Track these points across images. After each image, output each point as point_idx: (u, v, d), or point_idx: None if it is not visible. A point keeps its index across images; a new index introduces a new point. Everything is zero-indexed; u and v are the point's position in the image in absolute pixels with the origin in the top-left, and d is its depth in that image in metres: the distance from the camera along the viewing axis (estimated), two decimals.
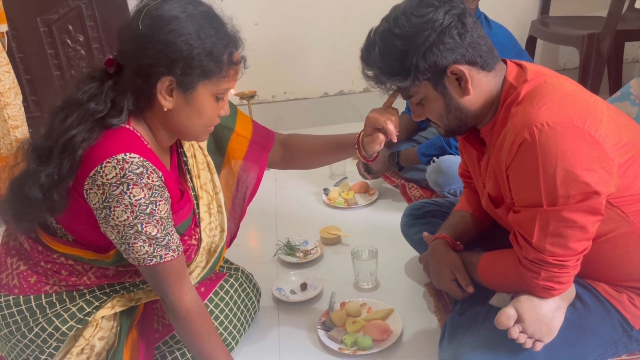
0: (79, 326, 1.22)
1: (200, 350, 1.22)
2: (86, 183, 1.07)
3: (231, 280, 1.42)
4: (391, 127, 1.28)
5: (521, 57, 2.10)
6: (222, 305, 1.36)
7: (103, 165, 1.05)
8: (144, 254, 1.11)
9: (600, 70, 2.59)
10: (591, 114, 1.06)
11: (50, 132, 1.10)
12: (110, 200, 1.06)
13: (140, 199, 1.07)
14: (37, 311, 1.21)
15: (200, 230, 1.30)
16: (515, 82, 1.14)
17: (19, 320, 1.22)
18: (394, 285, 1.71)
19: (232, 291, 1.40)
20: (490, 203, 1.25)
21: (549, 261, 1.09)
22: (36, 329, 1.22)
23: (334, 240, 1.96)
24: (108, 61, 1.12)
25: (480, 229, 1.47)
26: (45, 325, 1.22)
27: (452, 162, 2.02)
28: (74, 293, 1.23)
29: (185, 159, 1.33)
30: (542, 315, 1.14)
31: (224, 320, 1.36)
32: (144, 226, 1.09)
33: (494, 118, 1.17)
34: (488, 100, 1.16)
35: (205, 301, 1.33)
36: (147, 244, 1.10)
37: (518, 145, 1.05)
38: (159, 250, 1.12)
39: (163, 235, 1.12)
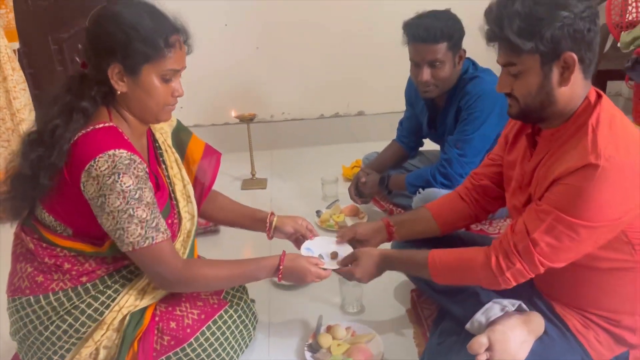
0: (90, 323, 1.35)
1: (228, 279, 1.46)
2: (82, 176, 1.24)
3: (231, 311, 1.53)
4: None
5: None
6: (218, 333, 1.47)
7: (96, 160, 1.22)
8: (137, 236, 1.27)
9: None
10: None
11: (38, 120, 1.33)
12: (104, 188, 1.23)
13: (130, 186, 1.24)
14: (49, 309, 1.34)
15: (178, 211, 1.48)
16: (593, 103, 1.21)
17: (35, 319, 1.35)
18: (378, 310, 1.81)
19: (230, 322, 1.51)
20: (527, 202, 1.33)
21: (534, 258, 1.20)
22: (52, 327, 1.35)
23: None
24: (83, 64, 1.33)
25: (428, 231, 1.63)
26: (60, 323, 1.35)
27: (437, 194, 2.12)
28: (79, 289, 1.36)
29: (160, 151, 1.51)
30: (510, 348, 1.24)
31: (218, 348, 1.46)
32: (135, 210, 1.26)
33: (562, 125, 1.24)
34: (570, 104, 1.22)
35: (203, 328, 1.44)
36: (139, 227, 1.27)
37: (581, 166, 1.14)
38: (150, 232, 1.28)
39: (152, 218, 1.29)
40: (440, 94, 2.16)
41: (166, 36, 1.29)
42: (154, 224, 1.29)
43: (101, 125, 1.29)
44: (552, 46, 1.14)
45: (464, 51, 2.12)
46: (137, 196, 1.26)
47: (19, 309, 1.36)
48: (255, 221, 1.70)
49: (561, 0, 1.13)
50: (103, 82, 1.29)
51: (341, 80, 3.30)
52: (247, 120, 2.77)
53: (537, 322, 1.30)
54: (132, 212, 1.25)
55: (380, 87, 3.30)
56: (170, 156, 1.54)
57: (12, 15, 2.56)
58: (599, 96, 1.23)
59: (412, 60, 2.11)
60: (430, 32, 2.00)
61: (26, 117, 2.55)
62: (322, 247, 1.66)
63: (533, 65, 1.18)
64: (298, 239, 1.70)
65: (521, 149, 1.41)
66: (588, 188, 1.13)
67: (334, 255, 1.63)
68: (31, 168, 1.27)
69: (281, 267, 1.45)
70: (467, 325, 1.34)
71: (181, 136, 1.58)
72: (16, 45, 2.57)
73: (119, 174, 1.23)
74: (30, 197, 1.34)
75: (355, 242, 1.67)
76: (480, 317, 1.33)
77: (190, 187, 1.54)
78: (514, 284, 1.26)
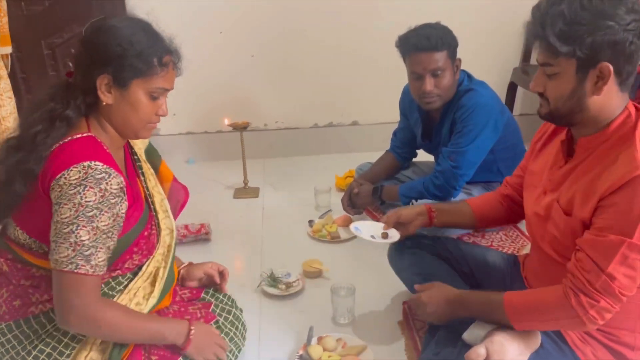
0: (74, 344, 1.30)
1: (135, 330, 1.30)
2: (53, 184, 1.20)
3: (219, 324, 1.50)
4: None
5: (504, 114, 2.21)
6: None
7: (70, 170, 1.19)
8: (64, 257, 1.19)
9: None
10: None
11: (19, 126, 1.29)
12: (62, 197, 1.19)
13: (89, 201, 1.19)
14: (30, 334, 1.30)
15: (158, 222, 1.45)
16: (634, 116, 1.21)
17: (16, 345, 1.30)
18: (370, 322, 1.80)
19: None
20: (556, 209, 1.30)
21: (615, 291, 1.14)
22: (34, 352, 1.30)
23: (316, 273, 2.06)
24: (68, 73, 1.33)
25: (468, 222, 1.67)
26: (43, 347, 1.30)
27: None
28: None
29: (139, 163, 1.49)
30: (507, 359, 1.24)
31: None
32: (79, 227, 1.19)
33: (601, 133, 1.22)
34: (603, 114, 1.20)
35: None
36: (71, 248, 1.19)
37: (631, 178, 1.12)
38: (79, 258, 1.19)
39: (89, 245, 1.20)
40: (442, 105, 2.16)
41: (160, 55, 1.30)
42: (87, 252, 1.20)
43: (79, 136, 1.27)
44: (590, 54, 1.13)
45: (460, 60, 2.14)
46: (90, 214, 1.19)
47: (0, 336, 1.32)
48: None
49: (609, 9, 1.12)
50: (89, 92, 1.28)
51: (335, 90, 3.31)
52: (240, 128, 2.76)
53: (534, 337, 1.30)
54: (74, 229, 1.19)
55: (375, 98, 3.31)
56: (148, 170, 1.52)
57: (5, 20, 2.55)
58: (638, 110, 1.22)
59: (414, 72, 2.10)
60: (431, 41, 2.01)
61: (11, 126, 2.51)
62: (370, 230, 1.74)
63: (568, 69, 1.17)
64: (211, 282, 1.65)
65: (550, 156, 1.39)
66: None
67: (384, 236, 1.70)
68: (7, 173, 1.24)
69: (192, 328, 1.36)
70: (465, 335, 1.34)
71: (153, 159, 1.58)
72: (8, 49, 2.55)
73: (84, 187, 1.19)
74: (3, 207, 1.30)
75: (398, 224, 1.71)
76: (478, 327, 1.32)
77: (166, 202, 1.52)
78: (600, 322, 1.18)
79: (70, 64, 2.83)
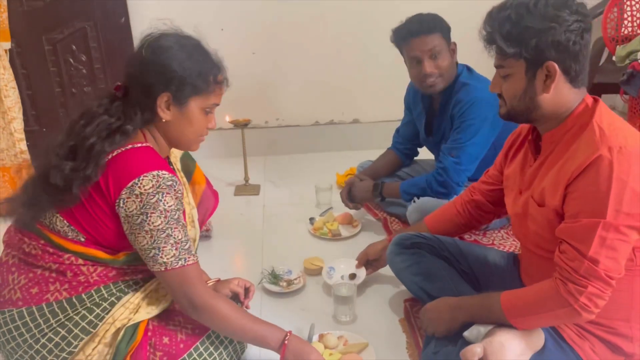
0: (83, 336, 1.32)
1: (242, 329, 1.39)
2: (123, 193, 1.26)
3: None
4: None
5: None
6: (211, 348, 1.44)
7: (141, 179, 1.26)
8: (171, 257, 1.29)
9: None
10: None
11: (70, 135, 1.33)
12: (147, 207, 1.26)
13: (172, 206, 1.29)
14: (41, 322, 1.31)
15: (190, 228, 1.50)
16: (591, 105, 1.26)
17: (25, 332, 1.31)
18: (371, 319, 1.80)
19: (222, 336, 1.47)
20: (531, 204, 1.34)
21: (601, 274, 1.17)
22: (43, 340, 1.31)
23: (317, 271, 2.05)
24: (117, 87, 1.37)
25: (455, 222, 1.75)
26: (52, 336, 1.31)
27: (433, 203, 2.11)
28: (74, 300, 1.32)
29: (178, 174, 1.54)
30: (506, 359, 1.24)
31: None
32: (173, 230, 1.29)
33: (561, 126, 1.28)
34: (559, 109, 1.27)
35: (197, 344, 1.42)
36: (174, 248, 1.30)
37: (592, 160, 1.17)
38: (183, 253, 1.31)
39: (185, 240, 1.33)
40: (445, 87, 2.15)
41: (216, 74, 1.39)
42: (187, 246, 1.33)
43: (139, 145, 1.33)
44: (536, 54, 1.21)
45: (455, 45, 2.15)
46: (176, 217, 1.30)
47: (8, 322, 1.32)
48: None
49: (551, 12, 1.19)
50: (147, 108, 1.34)
51: (337, 88, 3.30)
52: (241, 125, 2.76)
53: (537, 337, 1.29)
54: (170, 232, 1.29)
55: (376, 95, 3.30)
56: (181, 179, 1.57)
57: (5, 15, 2.54)
58: (595, 100, 1.29)
59: (412, 58, 2.11)
60: (423, 25, 2.07)
61: (16, 116, 2.54)
62: (344, 270, 1.97)
63: (519, 70, 1.25)
64: (235, 298, 1.67)
65: (520, 159, 1.44)
66: (611, 181, 1.15)
67: (351, 277, 1.92)
68: (64, 180, 1.28)
69: (286, 340, 1.42)
70: (466, 333, 1.34)
71: (188, 162, 1.64)
72: (7, 45, 2.55)
73: (162, 194, 1.27)
74: (51, 205, 1.33)
75: (368, 263, 1.94)
76: (479, 325, 1.32)
77: (195, 212, 1.56)
78: (594, 309, 1.19)
79: (71, 60, 2.84)
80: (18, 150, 2.56)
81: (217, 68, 1.40)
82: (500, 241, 2.24)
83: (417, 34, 2.07)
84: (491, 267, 1.65)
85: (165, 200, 1.28)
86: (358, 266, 1.93)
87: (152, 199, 1.26)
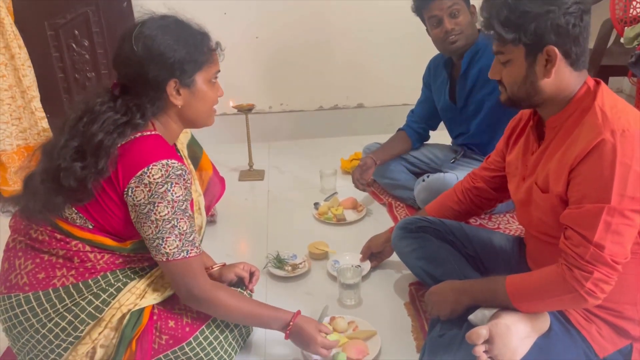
0: (89, 320, 1.32)
1: (245, 316, 1.42)
2: (132, 182, 1.26)
3: None
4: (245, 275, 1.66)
5: None
6: (217, 332, 1.45)
7: (150, 167, 1.26)
8: (174, 248, 1.30)
9: None
10: None
11: (74, 135, 1.30)
12: (155, 196, 1.26)
13: (179, 196, 1.29)
14: (48, 307, 1.31)
15: (197, 216, 1.49)
16: (592, 88, 1.25)
17: (31, 317, 1.32)
18: (376, 304, 1.80)
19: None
20: (535, 190, 1.33)
21: (607, 260, 1.15)
22: (49, 324, 1.31)
23: (322, 255, 2.05)
24: (114, 85, 1.35)
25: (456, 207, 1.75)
26: (59, 320, 1.31)
27: (442, 182, 2.11)
28: (80, 285, 1.33)
29: (185, 161, 1.53)
30: (511, 343, 1.23)
31: (217, 346, 1.45)
32: (179, 221, 1.30)
33: (564, 110, 1.26)
34: (561, 94, 1.25)
35: (202, 327, 1.43)
36: (178, 239, 1.30)
37: (595, 144, 1.15)
38: (187, 245, 1.32)
39: (190, 231, 1.33)
40: (466, 44, 2.15)
41: (207, 42, 1.38)
42: (191, 238, 1.33)
43: (148, 133, 1.32)
44: (535, 39, 1.19)
45: (474, 7, 2.14)
46: (183, 207, 1.30)
47: (15, 307, 1.33)
48: None
49: None
50: (156, 99, 1.33)
51: (340, 72, 3.28)
52: (245, 110, 2.75)
53: (543, 319, 1.29)
54: (175, 223, 1.29)
55: (380, 80, 3.28)
56: (190, 166, 1.57)
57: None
58: (597, 83, 1.26)
59: (432, 17, 2.12)
60: None
61: (36, 95, 2.57)
62: (347, 262, 1.94)
63: (518, 55, 1.24)
64: (240, 281, 1.68)
65: (521, 145, 1.43)
66: (614, 165, 1.13)
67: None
68: (77, 180, 1.27)
69: (291, 323, 1.44)
70: (471, 317, 1.33)
71: (195, 149, 1.63)
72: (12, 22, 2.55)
73: (171, 184, 1.27)
74: (65, 205, 1.32)
75: (372, 256, 1.95)
76: (484, 309, 1.31)
77: (201, 199, 1.56)
78: (600, 295, 1.18)
79: (74, 45, 2.82)
80: (40, 129, 2.57)
81: (205, 36, 1.39)
82: (506, 225, 2.23)
83: None
84: (497, 251, 1.65)
85: (173, 190, 1.27)
86: (362, 260, 1.95)
87: (160, 188, 1.26)
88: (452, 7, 2.08)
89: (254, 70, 3.22)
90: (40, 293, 1.32)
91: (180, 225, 1.30)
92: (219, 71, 1.43)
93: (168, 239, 1.29)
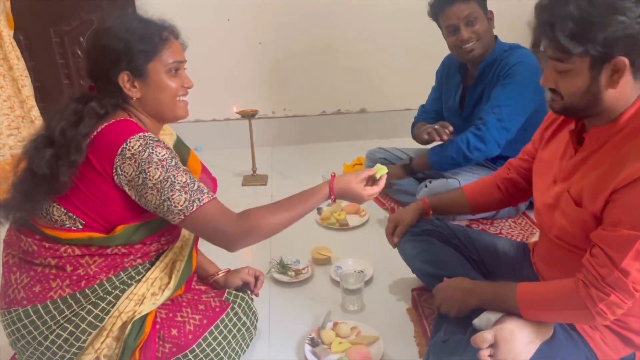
0: (90, 330, 1.32)
1: (288, 220, 1.41)
2: (116, 160, 1.27)
3: (231, 314, 1.51)
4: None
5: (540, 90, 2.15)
6: (220, 338, 1.45)
7: (128, 142, 1.27)
8: (184, 202, 1.29)
9: None
10: None
11: (47, 127, 1.34)
12: (142, 164, 1.27)
13: (165, 155, 1.29)
14: (48, 319, 1.32)
15: None
16: None
17: (33, 330, 1.32)
18: (379, 309, 1.80)
19: (231, 325, 1.49)
20: (566, 199, 1.28)
21: (628, 287, 1.13)
22: (52, 336, 1.32)
23: (325, 260, 2.06)
24: (90, 87, 1.41)
25: (464, 211, 1.75)
26: (60, 332, 1.32)
27: (445, 187, 2.11)
28: (78, 295, 1.33)
29: None
30: (515, 347, 1.23)
31: (220, 352, 1.45)
32: (175, 177, 1.29)
33: (613, 124, 1.20)
34: (619, 105, 1.19)
35: (205, 334, 1.43)
36: (183, 192, 1.29)
37: None
38: (195, 194, 1.31)
39: (192, 181, 1.32)
40: (483, 53, 2.14)
41: (159, 33, 1.37)
42: (195, 187, 1.32)
43: (122, 118, 1.34)
44: (604, 50, 1.11)
45: (492, 13, 2.14)
46: (173, 163, 1.30)
47: (16, 321, 1.33)
48: (206, 277, 1.71)
49: (618, 3, 1.09)
50: (115, 93, 1.35)
51: (343, 78, 3.29)
52: (248, 116, 2.76)
53: (547, 326, 1.29)
54: (173, 179, 1.29)
55: (383, 85, 3.29)
56: None
57: (8, 4, 2.56)
58: None
59: (449, 26, 2.12)
60: None
61: (35, 104, 2.61)
62: (350, 267, 1.92)
63: (582, 66, 1.15)
64: (245, 286, 1.70)
65: (561, 146, 1.37)
66: None
67: None
68: (49, 167, 1.29)
69: (332, 196, 1.44)
70: (476, 321, 1.33)
71: (181, 150, 1.61)
72: (11, 33, 2.57)
73: (152, 146, 1.28)
74: (43, 197, 1.33)
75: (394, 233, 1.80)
76: (489, 313, 1.32)
77: None
78: (610, 316, 1.16)
79: (79, 51, 2.85)
80: None
81: (158, 27, 1.39)
82: (508, 230, 2.24)
83: (452, 2, 2.07)
84: (500, 256, 1.65)
85: (156, 151, 1.28)
86: (392, 238, 1.78)
87: (143, 154, 1.27)
88: (470, 15, 2.06)
89: (257, 75, 3.24)
90: (39, 306, 1.32)
91: (178, 180, 1.29)
92: (182, 61, 1.42)
93: (173, 197, 1.29)
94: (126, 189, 1.30)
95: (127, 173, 1.28)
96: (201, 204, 1.31)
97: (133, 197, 1.32)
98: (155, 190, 1.28)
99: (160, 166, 1.28)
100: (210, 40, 2.98)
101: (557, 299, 1.24)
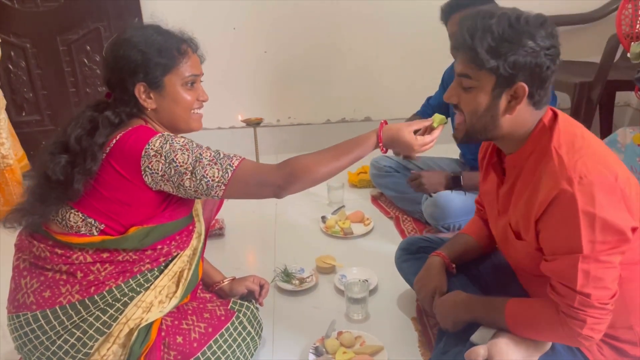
0: (98, 336, 1.33)
1: (333, 168, 1.40)
2: (142, 162, 1.30)
3: (236, 322, 1.51)
4: None
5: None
6: (224, 347, 1.45)
7: (150, 142, 1.30)
8: (218, 172, 1.31)
9: (590, 115, 2.71)
10: (620, 170, 1.17)
11: (63, 133, 1.36)
12: (168, 154, 1.30)
13: (185, 141, 1.33)
14: (56, 324, 1.33)
15: (195, 222, 1.52)
16: (548, 124, 1.22)
17: (40, 335, 1.33)
18: (383, 318, 1.80)
19: (235, 334, 1.49)
20: (509, 232, 1.31)
21: (595, 304, 1.14)
22: (59, 342, 1.33)
23: (329, 269, 2.06)
24: (107, 95, 1.43)
25: (479, 253, 1.61)
26: (68, 337, 1.33)
27: (449, 198, 2.12)
28: (87, 301, 1.34)
29: None
30: None
31: None
32: (201, 154, 1.32)
33: (522, 150, 1.24)
34: (518, 131, 1.23)
35: (210, 342, 1.43)
36: (214, 164, 1.32)
37: (555, 195, 1.12)
38: (225, 162, 1.33)
39: (217, 152, 1.35)
40: None
41: (178, 46, 1.39)
42: (222, 156, 1.34)
43: (139, 125, 1.37)
44: (511, 72, 1.15)
45: None
46: (194, 145, 1.34)
47: (24, 325, 1.34)
48: (212, 284, 1.72)
49: (532, 30, 1.14)
50: (130, 103, 1.38)
51: (348, 86, 3.30)
52: (253, 124, 2.77)
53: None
54: (200, 157, 1.31)
55: (387, 93, 3.30)
56: None
57: None
58: (554, 116, 1.24)
59: (454, 32, 2.11)
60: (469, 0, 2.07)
61: (3, 117, 2.48)
62: (354, 276, 1.92)
63: (486, 85, 1.19)
64: (250, 294, 1.70)
65: (494, 177, 1.39)
66: (577, 215, 1.11)
67: None
68: (64, 173, 1.30)
69: (380, 144, 1.42)
70: (473, 337, 1.34)
71: None
72: None
73: (171, 138, 1.32)
74: (55, 202, 1.35)
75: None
76: (486, 329, 1.32)
77: (199, 206, 1.57)
78: (597, 336, 1.18)
79: (86, 60, 2.86)
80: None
81: (178, 40, 1.40)
82: None
83: (458, 9, 2.09)
84: (497, 269, 1.64)
85: (176, 140, 1.32)
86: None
87: (166, 147, 1.30)
88: None
89: (262, 84, 3.25)
90: (48, 311, 1.33)
91: (205, 156, 1.32)
92: (199, 75, 1.44)
93: (207, 173, 1.31)
94: (162, 185, 1.32)
95: (158, 169, 1.30)
96: (234, 167, 1.32)
97: (171, 191, 1.34)
98: (189, 174, 1.30)
99: (185, 150, 1.31)
100: (216, 49, 2.97)
101: (544, 326, 1.24)
